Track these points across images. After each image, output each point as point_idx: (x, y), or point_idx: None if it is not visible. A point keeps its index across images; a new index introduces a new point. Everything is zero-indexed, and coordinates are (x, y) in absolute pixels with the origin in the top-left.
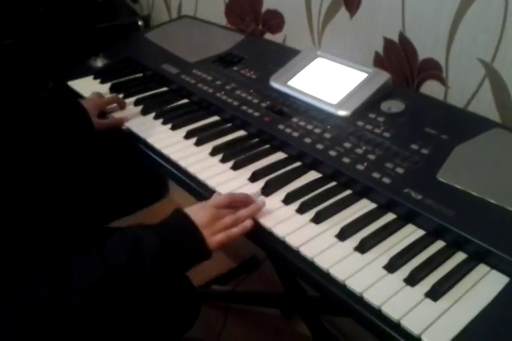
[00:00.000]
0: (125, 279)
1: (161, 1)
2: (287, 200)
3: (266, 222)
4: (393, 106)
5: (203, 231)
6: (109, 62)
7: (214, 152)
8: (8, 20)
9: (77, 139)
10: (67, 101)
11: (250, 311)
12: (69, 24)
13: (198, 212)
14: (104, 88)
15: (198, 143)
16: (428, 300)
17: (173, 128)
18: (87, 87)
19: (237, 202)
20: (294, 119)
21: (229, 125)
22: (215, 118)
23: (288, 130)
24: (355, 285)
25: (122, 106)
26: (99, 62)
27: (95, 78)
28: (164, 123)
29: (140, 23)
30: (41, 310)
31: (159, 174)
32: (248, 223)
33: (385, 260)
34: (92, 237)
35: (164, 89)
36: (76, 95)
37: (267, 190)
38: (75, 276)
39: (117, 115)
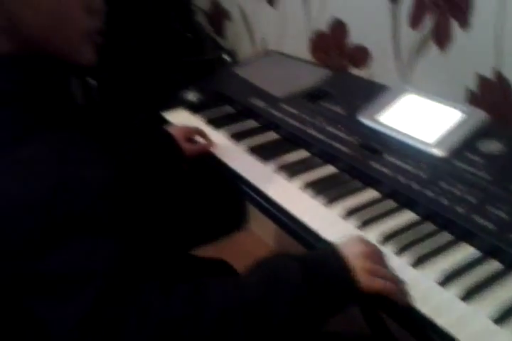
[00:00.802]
0: (261, 305)
1: (246, 36)
2: (384, 241)
3: None
4: (491, 146)
5: (355, 261)
6: (200, 95)
7: (304, 186)
8: (104, 55)
9: (168, 162)
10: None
11: None
12: (160, 58)
13: (348, 243)
14: (195, 119)
15: (288, 177)
16: None
17: (262, 160)
18: (179, 117)
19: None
20: (386, 156)
21: (317, 159)
22: (304, 152)
23: (380, 167)
24: (463, 337)
25: (205, 138)
26: (191, 95)
27: (187, 110)
28: (253, 155)
29: (226, 57)
30: (171, 334)
31: (239, 204)
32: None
33: (492, 311)
34: (173, 262)
35: (252, 122)
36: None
37: (363, 227)
38: (213, 297)
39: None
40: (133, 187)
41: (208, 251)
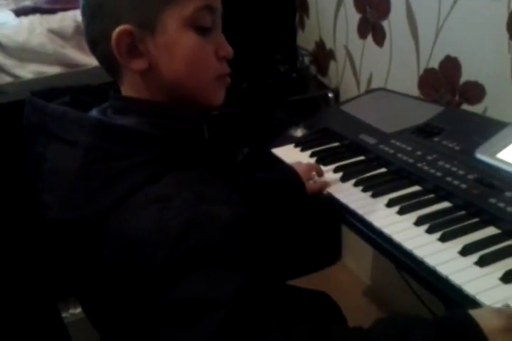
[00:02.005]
0: None
1: (350, 75)
2: (507, 278)
3: None
4: None
5: (493, 339)
6: (308, 132)
7: (419, 222)
8: None
9: (291, 200)
10: (281, 166)
11: None
12: (266, 98)
13: (487, 316)
14: (304, 156)
15: (400, 212)
16: None
17: (374, 195)
18: (288, 154)
19: None
20: (508, 193)
21: (432, 195)
22: (417, 188)
23: (501, 204)
24: None
25: (320, 174)
26: (299, 132)
27: (296, 146)
28: (364, 190)
29: (330, 95)
30: None
31: (334, 239)
32: None
33: None
34: (277, 293)
35: (361, 158)
36: (273, 161)
37: (482, 265)
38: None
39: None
40: (256, 223)
41: (302, 284)
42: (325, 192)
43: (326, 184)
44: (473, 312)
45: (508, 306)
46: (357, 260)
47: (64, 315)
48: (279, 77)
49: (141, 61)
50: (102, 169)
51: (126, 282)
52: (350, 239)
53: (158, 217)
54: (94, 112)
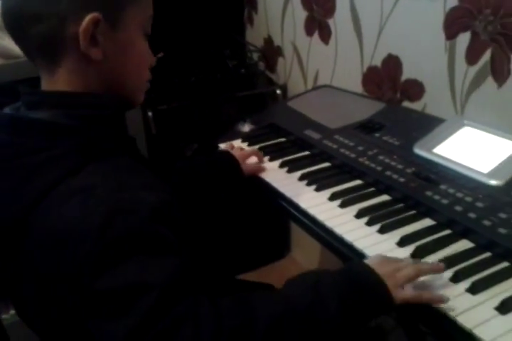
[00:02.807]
0: (308, 311)
1: (297, 71)
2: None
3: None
4: None
5: (387, 280)
6: (255, 127)
7: (360, 214)
8: (163, 89)
9: (228, 181)
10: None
11: None
12: (215, 93)
13: (378, 263)
14: (254, 148)
15: (342, 205)
16: None
17: (318, 189)
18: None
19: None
20: (442, 186)
21: (372, 189)
22: (358, 182)
23: (436, 197)
24: None
25: (261, 160)
26: (246, 127)
27: (243, 141)
28: (308, 184)
29: (278, 91)
30: (228, 336)
31: (282, 233)
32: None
33: None
34: (220, 286)
35: (306, 153)
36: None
37: (417, 255)
38: (258, 306)
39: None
40: (186, 209)
41: (252, 278)
42: (267, 182)
43: (262, 167)
44: (368, 261)
45: None
46: (305, 253)
47: (3, 316)
48: (227, 73)
49: (97, 51)
50: (20, 164)
51: (54, 278)
52: (298, 232)
53: (81, 207)
54: (6, 110)
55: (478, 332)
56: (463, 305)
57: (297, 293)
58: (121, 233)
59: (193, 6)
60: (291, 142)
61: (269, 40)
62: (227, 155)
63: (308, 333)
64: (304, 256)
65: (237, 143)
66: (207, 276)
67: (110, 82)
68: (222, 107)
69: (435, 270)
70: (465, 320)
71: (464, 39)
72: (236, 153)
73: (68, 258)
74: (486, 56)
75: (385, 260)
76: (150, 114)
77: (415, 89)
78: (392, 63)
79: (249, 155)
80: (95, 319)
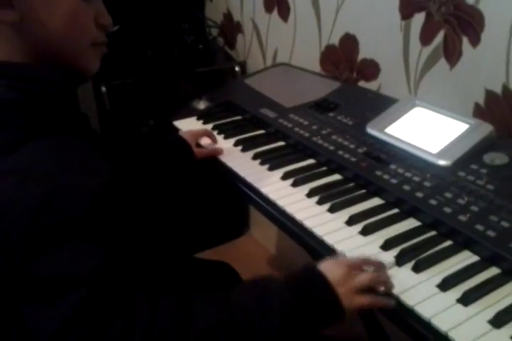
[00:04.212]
0: (248, 322)
1: (257, 49)
2: (386, 246)
3: None
4: (496, 158)
5: (338, 288)
6: (211, 104)
7: (311, 193)
8: (118, 63)
9: (179, 165)
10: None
11: None
12: (172, 68)
13: (330, 268)
14: (205, 128)
15: (294, 184)
16: None
17: (271, 169)
18: (190, 126)
19: (369, 266)
20: (392, 166)
21: (324, 168)
22: (311, 161)
23: (386, 176)
24: (458, 337)
25: (214, 140)
26: (202, 104)
27: (198, 119)
28: (262, 163)
29: (237, 68)
30: (160, 337)
31: (241, 211)
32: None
33: (491, 315)
34: (175, 265)
35: (262, 131)
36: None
37: (365, 234)
38: (197, 311)
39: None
40: (132, 193)
41: (211, 255)
42: (221, 162)
43: (217, 150)
44: (320, 266)
45: (344, 256)
46: (263, 230)
47: None
48: (185, 48)
49: (10, 12)
50: None
51: None
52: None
53: (15, 189)
54: None
55: (419, 308)
56: (406, 283)
57: (241, 303)
58: (57, 219)
59: None
60: (247, 120)
61: (228, 16)
62: (178, 141)
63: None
64: (263, 233)
65: (192, 120)
66: (161, 254)
67: (42, 47)
68: (179, 83)
69: (389, 284)
70: (408, 298)
71: (418, 19)
72: (187, 136)
73: (1, 238)
74: (440, 37)
75: (340, 265)
76: (104, 89)
77: (371, 68)
78: (349, 42)
79: (201, 135)
80: (26, 305)
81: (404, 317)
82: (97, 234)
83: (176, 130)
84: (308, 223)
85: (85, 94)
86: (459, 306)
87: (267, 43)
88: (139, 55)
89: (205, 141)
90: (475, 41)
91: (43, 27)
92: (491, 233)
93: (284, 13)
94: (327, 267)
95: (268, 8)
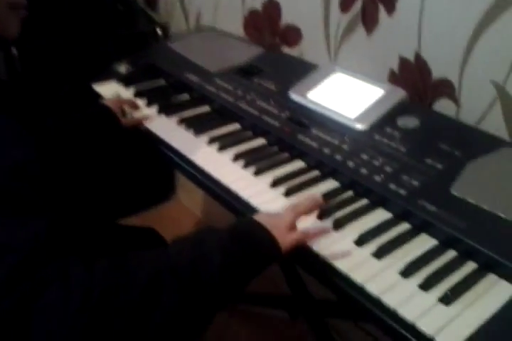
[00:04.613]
0: (189, 267)
1: (179, 10)
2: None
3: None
4: (408, 122)
5: (273, 231)
6: (132, 68)
7: (236, 158)
8: (31, 23)
9: (106, 135)
10: (90, 102)
11: (256, 312)
12: (90, 30)
13: (264, 216)
14: (127, 93)
15: (220, 149)
16: (441, 305)
17: (196, 134)
18: (110, 90)
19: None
20: (313, 130)
21: (249, 133)
22: (236, 125)
23: (307, 140)
24: (373, 288)
25: (136, 107)
26: (123, 68)
27: (119, 82)
28: (187, 128)
29: (159, 31)
30: (98, 304)
31: (167, 176)
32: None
33: (401, 265)
34: (100, 232)
35: (186, 96)
36: (95, 97)
37: (287, 195)
38: (135, 266)
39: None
40: (56, 162)
41: (137, 221)
42: (146, 128)
43: (143, 118)
44: (256, 216)
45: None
46: (190, 195)
47: None
48: (103, 8)
49: None
50: None
51: None
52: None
53: None
54: None
55: (338, 264)
56: (327, 241)
57: (179, 250)
58: None
59: None
60: (171, 84)
61: None
62: (103, 110)
63: (190, 290)
64: (190, 197)
65: (113, 84)
66: (86, 221)
67: None
68: (98, 45)
69: (313, 204)
70: (330, 257)
71: None
72: (111, 104)
73: None
74: (358, 4)
75: (271, 214)
76: (15, 51)
77: (293, 34)
78: (272, 7)
79: (123, 103)
80: None
81: (323, 271)
82: (26, 204)
83: (96, 94)
84: (233, 186)
85: None
86: (373, 259)
87: (190, 5)
88: (54, 15)
89: (127, 110)
90: (391, 9)
91: None
92: (402, 191)
93: None
94: (261, 216)
95: None
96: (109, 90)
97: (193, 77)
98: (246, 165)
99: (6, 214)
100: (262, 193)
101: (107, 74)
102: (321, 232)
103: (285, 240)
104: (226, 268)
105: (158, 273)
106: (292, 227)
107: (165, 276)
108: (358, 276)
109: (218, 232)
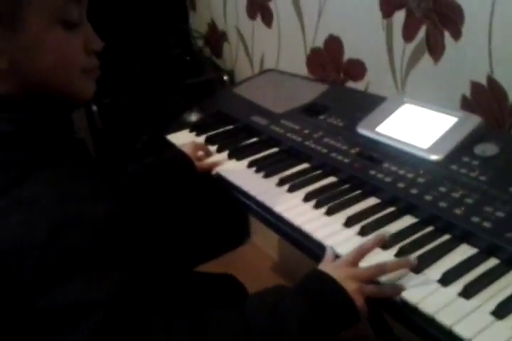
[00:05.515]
0: (265, 334)
1: (243, 56)
2: (385, 245)
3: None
4: (487, 149)
5: (346, 285)
6: (202, 116)
7: (307, 198)
8: (108, 81)
9: (183, 180)
10: (167, 150)
11: None
12: (161, 82)
13: (333, 270)
14: (200, 140)
15: (290, 190)
16: None
17: (266, 176)
18: (183, 139)
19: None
20: (385, 165)
21: (319, 172)
22: (305, 165)
23: (380, 175)
24: (463, 331)
25: (208, 153)
26: (193, 116)
27: (191, 131)
28: (257, 171)
29: (225, 77)
30: None
31: (241, 219)
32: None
33: (492, 306)
34: (178, 281)
35: (255, 139)
36: (171, 147)
37: (363, 234)
38: (212, 330)
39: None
40: (139, 215)
41: (213, 267)
42: (218, 173)
43: (216, 162)
44: (323, 269)
45: (331, 248)
46: (265, 237)
47: None
48: (172, 61)
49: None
50: None
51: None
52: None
53: (24, 221)
54: None
55: (422, 305)
56: (407, 281)
57: (256, 317)
58: (65, 249)
59: None
60: (239, 129)
61: (213, 25)
62: (179, 155)
63: None
64: (265, 240)
65: (185, 133)
66: (163, 271)
67: (36, 86)
68: (169, 96)
69: (401, 266)
70: (410, 296)
71: (399, 17)
72: (187, 149)
73: (11, 276)
74: (422, 33)
75: (339, 267)
76: (95, 108)
77: (357, 68)
78: (334, 44)
79: (198, 148)
80: (41, 337)
81: (409, 315)
82: (108, 259)
83: (170, 144)
84: (306, 228)
85: (76, 114)
86: (461, 300)
87: (253, 50)
88: (127, 72)
89: (200, 155)
90: (456, 34)
91: (33, 67)
92: (486, 224)
93: (267, 19)
94: (330, 269)
95: (251, 15)
96: (182, 140)
97: (259, 120)
98: (318, 205)
99: (89, 271)
100: (336, 233)
101: (178, 123)
102: (398, 292)
103: (360, 298)
104: (303, 336)
105: (234, 337)
106: (354, 264)
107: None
108: (446, 319)
109: (291, 294)
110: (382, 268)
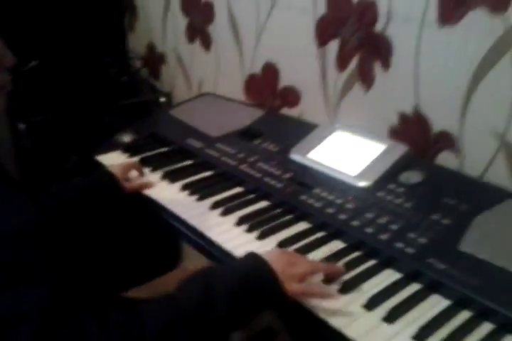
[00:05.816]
0: (198, 313)
1: (182, 79)
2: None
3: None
4: (411, 177)
5: (280, 274)
6: (136, 137)
7: (240, 222)
8: (38, 99)
9: (108, 201)
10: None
11: None
12: (96, 102)
13: (274, 255)
14: (134, 161)
15: (223, 214)
16: None
17: (199, 199)
18: (115, 160)
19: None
20: (316, 190)
21: (252, 196)
22: (239, 189)
23: (310, 200)
24: None
25: (141, 173)
26: (127, 138)
27: (123, 152)
28: (190, 194)
29: (162, 99)
30: None
31: (173, 243)
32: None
33: (414, 330)
34: (105, 305)
35: (189, 162)
36: (100, 168)
37: None
38: (147, 314)
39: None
40: (60, 229)
41: (144, 291)
42: (149, 196)
43: (147, 183)
44: (265, 255)
45: None
46: (197, 261)
47: None
48: (108, 81)
49: None
50: None
51: None
52: None
53: None
54: None
55: (346, 330)
56: (333, 305)
57: (187, 296)
58: None
59: (70, 12)
60: (174, 152)
61: (151, 47)
62: (105, 175)
63: (199, 333)
64: (197, 264)
65: (117, 154)
66: (90, 294)
67: None
68: (103, 117)
69: (332, 270)
70: (335, 320)
71: (333, 46)
72: (116, 170)
73: None
74: (354, 62)
75: (282, 253)
76: (23, 126)
77: (292, 95)
78: (271, 71)
79: (130, 168)
80: None
81: (333, 339)
82: (30, 271)
83: (100, 165)
84: (238, 252)
85: None
86: (385, 324)
87: (192, 74)
88: (61, 90)
89: (132, 175)
90: (386, 65)
91: None
92: (409, 250)
93: (206, 43)
94: (271, 255)
95: (190, 39)
96: (113, 161)
97: (195, 143)
98: (250, 229)
99: (13, 284)
100: None
101: (111, 144)
102: (325, 295)
103: (290, 288)
104: (231, 311)
105: (168, 321)
106: (302, 279)
107: (175, 324)
108: None
109: (224, 273)
110: (316, 266)
